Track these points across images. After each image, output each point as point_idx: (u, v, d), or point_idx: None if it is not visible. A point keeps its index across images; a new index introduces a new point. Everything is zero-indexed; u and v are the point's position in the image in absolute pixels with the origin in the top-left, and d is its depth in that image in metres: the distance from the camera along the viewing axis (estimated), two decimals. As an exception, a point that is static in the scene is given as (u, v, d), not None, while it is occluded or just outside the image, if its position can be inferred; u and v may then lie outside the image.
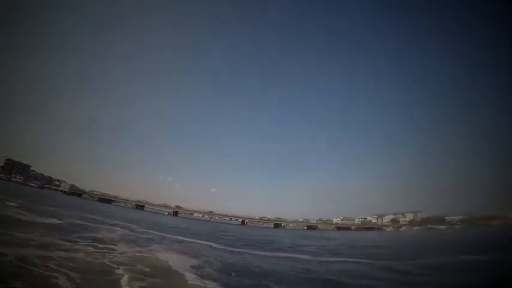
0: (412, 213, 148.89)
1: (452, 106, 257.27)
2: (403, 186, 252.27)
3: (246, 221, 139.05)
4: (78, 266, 11.53)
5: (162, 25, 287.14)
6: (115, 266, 12.55)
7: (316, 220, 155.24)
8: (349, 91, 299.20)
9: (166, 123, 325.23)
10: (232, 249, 24.98)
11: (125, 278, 11.04)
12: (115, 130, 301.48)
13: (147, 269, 12.98)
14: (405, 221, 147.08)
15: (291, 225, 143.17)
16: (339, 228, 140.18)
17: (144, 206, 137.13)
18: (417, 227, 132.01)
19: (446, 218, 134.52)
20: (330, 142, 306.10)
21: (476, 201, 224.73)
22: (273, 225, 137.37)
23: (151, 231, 32.36)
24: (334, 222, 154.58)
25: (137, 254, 16.45)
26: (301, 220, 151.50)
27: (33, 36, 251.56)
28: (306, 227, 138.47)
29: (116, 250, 16.23)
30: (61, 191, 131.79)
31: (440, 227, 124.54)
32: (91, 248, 15.43)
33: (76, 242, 16.58)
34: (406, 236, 73.32)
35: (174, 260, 15.89)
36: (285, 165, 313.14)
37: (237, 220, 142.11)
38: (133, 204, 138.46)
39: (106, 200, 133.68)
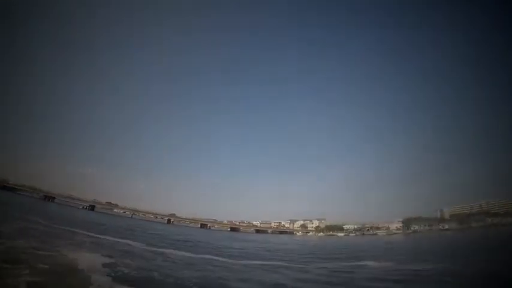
0: (318, 220, 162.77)
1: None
2: (313, 195, 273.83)
3: (172, 219, 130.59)
4: None
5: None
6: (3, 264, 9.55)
7: (239, 222, 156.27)
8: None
9: (92, 111, 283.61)
10: (154, 248, 22.37)
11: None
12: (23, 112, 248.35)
13: (45, 267, 10.35)
14: (312, 227, 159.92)
15: (216, 226, 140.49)
16: (258, 231, 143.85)
17: (54, 198, 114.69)
18: (321, 233, 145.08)
19: (344, 226, 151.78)
20: (252, 149, 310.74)
21: (368, 214, 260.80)
22: (199, 225, 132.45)
23: (58, 226, 26.81)
24: (254, 224, 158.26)
25: (36, 250, 13.01)
26: (225, 222, 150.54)
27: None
28: (229, 229, 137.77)
29: (5, 244, 12.53)
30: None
31: (339, 234, 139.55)
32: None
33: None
34: (312, 241, 79.14)
35: (83, 258, 13.11)
36: (213, 167, 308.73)
37: (162, 218, 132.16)
38: (42, 194, 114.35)
39: (7, 187, 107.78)
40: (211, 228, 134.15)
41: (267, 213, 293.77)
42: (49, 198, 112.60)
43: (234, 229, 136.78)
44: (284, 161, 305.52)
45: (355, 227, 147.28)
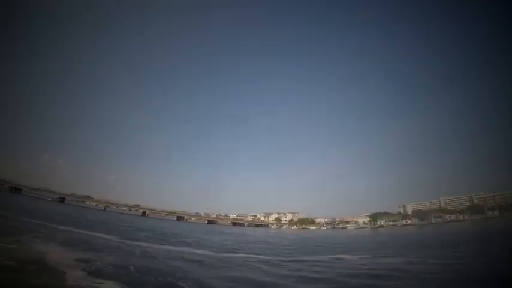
0: (291, 213, 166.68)
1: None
2: (286, 189, 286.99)
3: (148, 212, 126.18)
4: None
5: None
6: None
7: (216, 215, 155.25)
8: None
9: (66, 103, 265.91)
10: (131, 241, 21.30)
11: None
12: None
13: (12, 263, 9.31)
14: (286, 220, 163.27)
15: (193, 218, 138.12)
16: (234, 223, 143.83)
17: (21, 189, 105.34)
18: (294, 227, 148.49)
19: (316, 220, 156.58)
20: (230, 144, 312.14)
21: (337, 208, 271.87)
22: (175, 218, 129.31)
23: (25, 218, 24.65)
24: (231, 217, 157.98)
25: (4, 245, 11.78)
26: (202, 214, 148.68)
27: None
28: (206, 221, 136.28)
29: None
30: None
31: (311, 227, 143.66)
32: None
33: None
34: (286, 234, 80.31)
35: (54, 253, 12.07)
36: (190, 161, 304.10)
37: (137, 211, 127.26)
38: (7, 186, 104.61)
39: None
40: (188, 220, 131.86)
41: (243, 206, 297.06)
42: (15, 189, 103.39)
43: (211, 222, 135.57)
44: (260, 157, 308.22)
45: (326, 220, 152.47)
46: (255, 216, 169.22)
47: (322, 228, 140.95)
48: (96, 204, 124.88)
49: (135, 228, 39.16)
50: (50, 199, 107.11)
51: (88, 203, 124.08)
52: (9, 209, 30.26)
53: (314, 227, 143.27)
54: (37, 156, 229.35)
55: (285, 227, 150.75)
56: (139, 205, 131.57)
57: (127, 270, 11.32)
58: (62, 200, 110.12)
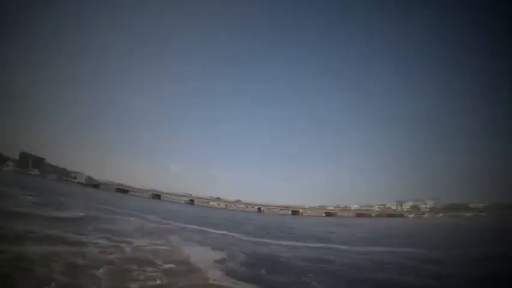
0: (432, 200, 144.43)
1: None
2: (421, 175, 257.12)
3: (263, 208, 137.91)
4: (87, 261, 10.03)
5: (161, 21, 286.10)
6: (129, 262, 10.98)
7: (334, 207, 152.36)
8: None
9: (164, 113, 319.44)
10: (256, 239, 23.26)
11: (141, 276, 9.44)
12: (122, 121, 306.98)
13: (167, 266, 11.28)
14: (426, 207, 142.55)
15: (308, 212, 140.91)
16: (358, 215, 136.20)
17: (160, 196, 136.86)
18: (440, 214, 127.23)
19: (470, 205, 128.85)
20: (343, 133, 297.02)
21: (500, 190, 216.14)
22: (290, 212, 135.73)
23: (168, 221, 30.61)
24: (352, 209, 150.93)
25: (158, 247, 14.93)
26: (318, 207, 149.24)
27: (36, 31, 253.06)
28: (324, 214, 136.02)
29: (132, 243, 14.69)
30: (78, 182, 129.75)
31: (466, 214, 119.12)
32: (104, 241, 13.95)
33: (88, 235, 15.12)
34: (435, 224, 71.06)
35: (196, 254, 14.22)
36: (297, 153, 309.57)
37: (252, 207, 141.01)
38: (150, 194, 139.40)
39: (122, 190, 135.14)
40: (303, 214, 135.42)
41: (366, 196, 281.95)
42: (156, 196, 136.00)
43: (329, 214, 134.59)
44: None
45: (486, 204, 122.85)
46: (384, 205, 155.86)
47: (481, 214, 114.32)
48: (218, 204, 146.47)
49: (257, 225, 42.71)
50: (183, 202, 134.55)
51: (211, 203, 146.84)
52: (154, 213, 38.80)
53: (469, 214, 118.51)
54: (166, 164, 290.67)
55: (426, 215, 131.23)
56: (255, 203, 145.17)
57: (258, 270, 12.07)
58: (192, 201, 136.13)
